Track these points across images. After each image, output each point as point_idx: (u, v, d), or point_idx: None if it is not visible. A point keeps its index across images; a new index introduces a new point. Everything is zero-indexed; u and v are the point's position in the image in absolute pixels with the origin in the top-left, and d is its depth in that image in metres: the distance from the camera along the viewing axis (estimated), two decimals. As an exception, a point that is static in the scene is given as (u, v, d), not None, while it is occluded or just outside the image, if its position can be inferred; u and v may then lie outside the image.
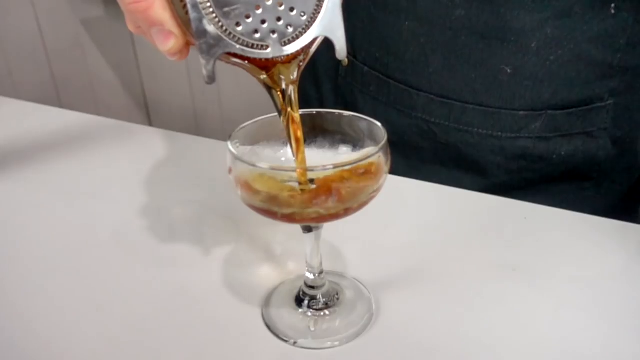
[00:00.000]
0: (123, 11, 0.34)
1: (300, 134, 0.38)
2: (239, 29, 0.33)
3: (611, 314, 0.43)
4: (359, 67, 0.65)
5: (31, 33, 1.51)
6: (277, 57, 0.35)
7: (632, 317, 0.43)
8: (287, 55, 0.35)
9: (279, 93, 0.37)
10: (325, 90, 0.71)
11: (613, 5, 0.53)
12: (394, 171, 0.43)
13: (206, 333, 0.42)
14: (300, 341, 0.41)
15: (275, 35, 0.34)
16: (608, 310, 0.43)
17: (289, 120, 0.38)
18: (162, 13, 0.33)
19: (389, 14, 0.60)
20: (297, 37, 0.34)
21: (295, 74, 0.37)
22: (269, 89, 0.37)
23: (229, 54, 0.34)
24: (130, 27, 0.35)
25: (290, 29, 0.34)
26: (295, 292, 0.45)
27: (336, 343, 0.41)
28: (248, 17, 0.33)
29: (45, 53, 1.55)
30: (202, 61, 0.33)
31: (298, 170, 0.38)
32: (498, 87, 0.57)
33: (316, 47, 0.36)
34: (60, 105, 1.60)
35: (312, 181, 0.37)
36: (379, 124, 0.40)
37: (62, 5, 1.53)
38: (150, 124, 1.67)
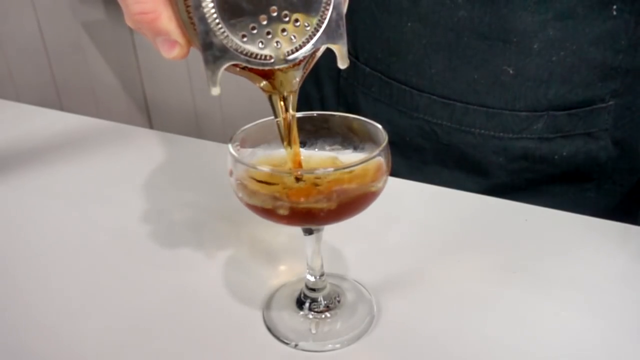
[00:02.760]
0: (123, 10, 0.34)
1: (297, 140, 0.39)
2: (245, 40, 0.33)
3: (612, 316, 0.43)
4: (361, 68, 0.65)
5: (32, 36, 1.51)
6: (280, 67, 0.35)
7: (633, 319, 0.42)
8: (290, 65, 0.35)
9: (279, 101, 0.38)
10: (327, 91, 0.72)
11: (615, 6, 0.53)
12: (395, 172, 0.43)
13: (207, 335, 0.42)
14: (301, 344, 0.41)
15: (280, 47, 0.34)
16: (609, 312, 0.43)
17: (287, 125, 0.38)
18: (168, 24, 0.33)
19: (391, 15, 0.60)
20: (301, 48, 0.34)
21: (296, 82, 0.37)
22: (269, 94, 0.38)
23: (233, 64, 0.34)
24: (129, 23, 0.35)
25: (294, 40, 0.34)
26: (296, 294, 0.45)
27: (337, 345, 0.41)
28: (254, 29, 0.33)
29: (46, 56, 1.55)
30: (208, 72, 0.33)
31: (296, 174, 0.38)
32: (500, 88, 0.57)
33: (319, 57, 0.36)
34: (61, 107, 1.60)
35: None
36: (379, 125, 0.40)
37: (62, 8, 1.53)
38: (151, 127, 1.67)
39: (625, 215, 0.61)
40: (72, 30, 1.56)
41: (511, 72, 0.56)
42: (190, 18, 0.32)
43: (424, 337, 0.41)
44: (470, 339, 0.41)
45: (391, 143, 0.39)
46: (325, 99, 0.72)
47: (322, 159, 0.42)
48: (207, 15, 0.31)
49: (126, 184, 0.62)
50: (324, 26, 0.34)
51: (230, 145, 0.38)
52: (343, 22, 0.34)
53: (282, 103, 0.38)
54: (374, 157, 0.37)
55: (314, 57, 0.36)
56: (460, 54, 0.57)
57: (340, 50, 0.35)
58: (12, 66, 1.52)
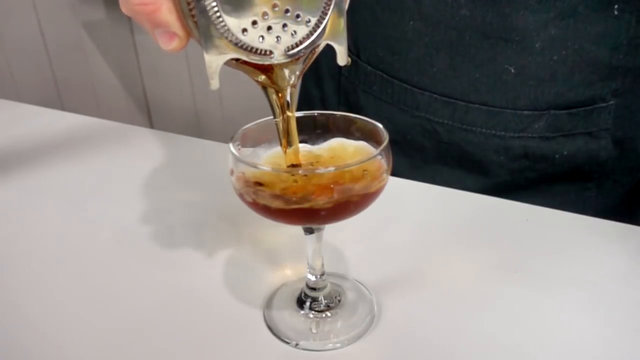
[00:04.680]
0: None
1: (296, 136, 0.39)
2: (246, 34, 0.33)
3: (612, 316, 0.43)
4: (363, 66, 0.65)
5: (33, 36, 1.51)
6: (280, 62, 0.35)
7: (633, 319, 0.42)
8: (290, 60, 0.35)
9: (278, 95, 0.38)
10: (328, 89, 0.71)
11: (616, 6, 0.53)
12: (396, 170, 0.43)
13: (208, 334, 0.42)
14: (302, 343, 0.41)
15: (280, 42, 0.34)
16: (609, 312, 0.43)
17: (286, 122, 0.38)
18: (168, 16, 0.32)
19: (393, 13, 0.60)
20: (301, 43, 0.34)
21: (295, 76, 0.37)
22: (266, 89, 0.38)
23: (233, 58, 0.34)
24: (124, 10, 0.34)
25: (295, 36, 0.34)
26: (296, 293, 0.45)
27: (338, 345, 0.41)
28: (255, 23, 0.33)
29: (47, 55, 1.55)
30: (207, 66, 0.33)
31: (297, 173, 0.38)
32: (502, 87, 0.57)
33: (319, 53, 0.36)
34: (62, 107, 1.61)
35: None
36: (380, 125, 0.40)
37: (63, 8, 1.53)
38: (152, 126, 1.67)
39: (626, 215, 0.62)
40: (72, 30, 1.56)
41: (513, 70, 0.56)
42: (191, 10, 0.32)
43: (425, 337, 0.41)
44: (470, 338, 0.41)
45: (392, 141, 0.39)
46: (326, 98, 0.72)
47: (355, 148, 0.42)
48: (208, 8, 0.31)
49: (126, 184, 0.62)
50: (324, 22, 0.34)
51: (231, 145, 0.38)
52: (344, 19, 0.34)
53: (280, 98, 0.37)
54: (374, 156, 0.37)
55: (314, 53, 0.36)
56: (462, 52, 0.57)
57: (340, 47, 0.35)
58: (12, 66, 1.52)
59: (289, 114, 0.38)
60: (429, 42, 0.58)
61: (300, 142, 0.40)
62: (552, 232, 0.53)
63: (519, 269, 0.48)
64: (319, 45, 0.35)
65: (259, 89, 0.38)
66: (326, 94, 0.72)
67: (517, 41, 0.55)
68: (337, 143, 0.42)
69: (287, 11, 0.33)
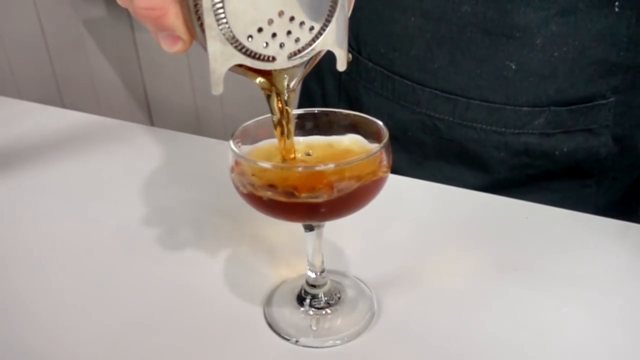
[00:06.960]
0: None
1: (292, 140, 0.39)
2: (251, 41, 0.33)
3: (612, 314, 0.43)
4: (364, 62, 0.65)
5: (33, 33, 1.51)
6: (283, 69, 0.35)
7: (633, 317, 0.42)
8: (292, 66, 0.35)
9: (277, 98, 0.38)
10: (329, 86, 0.72)
11: (617, 3, 0.53)
12: (396, 167, 0.43)
13: (208, 332, 0.42)
14: (302, 340, 0.41)
15: (284, 48, 0.34)
16: (609, 309, 0.43)
17: (284, 124, 0.38)
18: (174, 21, 0.32)
19: (395, 10, 0.60)
20: (303, 50, 0.35)
21: (295, 81, 0.37)
22: (267, 93, 0.38)
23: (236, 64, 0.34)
24: (121, 2, 0.34)
25: (298, 42, 0.34)
26: (297, 290, 0.45)
27: (338, 342, 0.41)
28: (260, 31, 0.33)
29: (47, 53, 1.55)
30: (212, 71, 0.33)
31: (298, 171, 0.38)
32: (502, 83, 0.57)
33: (319, 59, 0.37)
34: (63, 105, 1.61)
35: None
36: (381, 122, 0.40)
37: (64, 6, 1.53)
38: (152, 124, 1.67)
39: (625, 212, 0.62)
40: (73, 27, 1.56)
41: (513, 67, 0.56)
42: (197, 14, 0.32)
43: (425, 334, 0.41)
44: (470, 335, 0.41)
45: (393, 138, 0.39)
46: (327, 95, 0.72)
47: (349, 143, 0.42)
48: (215, 15, 0.31)
49: (126, 181, 0.62)
50: (327, 30, 0.34)
51: (231, 142, 0.38)
52: (346, 27, 0.35)
53: (279, 101, 0.38)
54: (375, 154, 0.37)
55: (315, 58, 0.36)
56: (463, 48, 0.57)
57: (341, 54, 0.35)
58: (13, 63, 1.52)
59: (288, 110, 0.38)
60: (430, 38, 0.59)
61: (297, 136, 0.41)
62: (552, 230, 0.53)
63: (518, 266, 0.48)
64: (320, 52, 0.35)
65: (259, 87, 0.38)
66: (327, 90, 0.72)
67: (518, 38, 0.55)
68: (335, 139, 0.43)
69: (292, 18, 0.33)
